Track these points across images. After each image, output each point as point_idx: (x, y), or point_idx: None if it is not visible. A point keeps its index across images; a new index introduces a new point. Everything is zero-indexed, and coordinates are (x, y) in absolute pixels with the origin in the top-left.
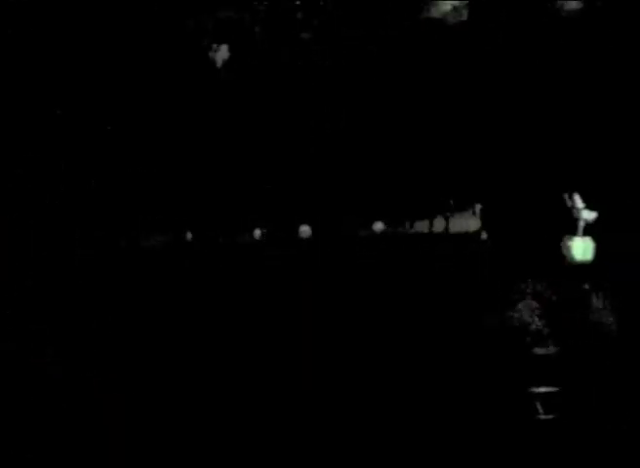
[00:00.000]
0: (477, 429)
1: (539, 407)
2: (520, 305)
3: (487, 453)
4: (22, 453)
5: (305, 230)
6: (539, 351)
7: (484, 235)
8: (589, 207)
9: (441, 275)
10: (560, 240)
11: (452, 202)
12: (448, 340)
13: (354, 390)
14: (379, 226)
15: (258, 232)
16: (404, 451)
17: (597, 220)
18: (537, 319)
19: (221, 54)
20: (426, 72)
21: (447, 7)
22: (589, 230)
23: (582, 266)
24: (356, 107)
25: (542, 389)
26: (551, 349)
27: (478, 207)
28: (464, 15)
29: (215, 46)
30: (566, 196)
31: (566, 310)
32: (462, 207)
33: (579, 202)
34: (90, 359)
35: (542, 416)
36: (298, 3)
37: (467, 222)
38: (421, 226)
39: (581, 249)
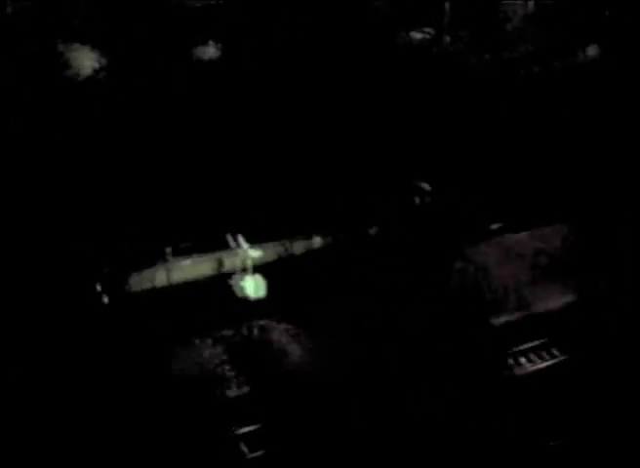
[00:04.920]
0: None
1: (243, 447)
2: (204, 351)
3: None
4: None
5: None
6: (231, 393)
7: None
8: (254, 245)
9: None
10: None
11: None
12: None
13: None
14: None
15: None
16: None
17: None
18: (223, 363)
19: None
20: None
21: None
22: (259, 268)
23: (258, 303)
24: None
25: (244, 429)
26: (244, 390)
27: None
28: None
29: None
30: (229, 237)
31: (250, 349)
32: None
33: (243, 242)
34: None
35: (249, 456)
36: None
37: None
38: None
39: (254, 286)
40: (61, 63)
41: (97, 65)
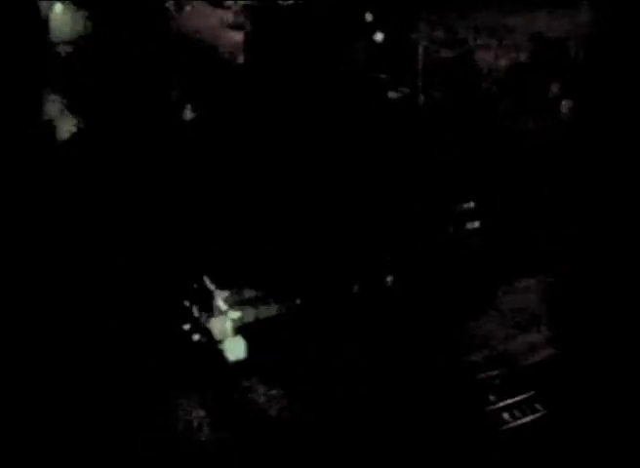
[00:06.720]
0: None
1: None
2: (191, 420)
3: None
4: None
5: None
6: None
7: None
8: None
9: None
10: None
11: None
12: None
13: None
14: None
15: None
16: None
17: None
18: (207, 430)
19: None
20: None
21: None
22: (240, 329)
23: (239, 365)
24: None
25: None
26: (235, 463)
27: None
28: None
29: None
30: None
31: (237, 417)
32: None
33: (222, 303)
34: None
35: None
36: None
37: None
38: None
39: (233, 348)
40: (40, 127)
41: (74, 129)
